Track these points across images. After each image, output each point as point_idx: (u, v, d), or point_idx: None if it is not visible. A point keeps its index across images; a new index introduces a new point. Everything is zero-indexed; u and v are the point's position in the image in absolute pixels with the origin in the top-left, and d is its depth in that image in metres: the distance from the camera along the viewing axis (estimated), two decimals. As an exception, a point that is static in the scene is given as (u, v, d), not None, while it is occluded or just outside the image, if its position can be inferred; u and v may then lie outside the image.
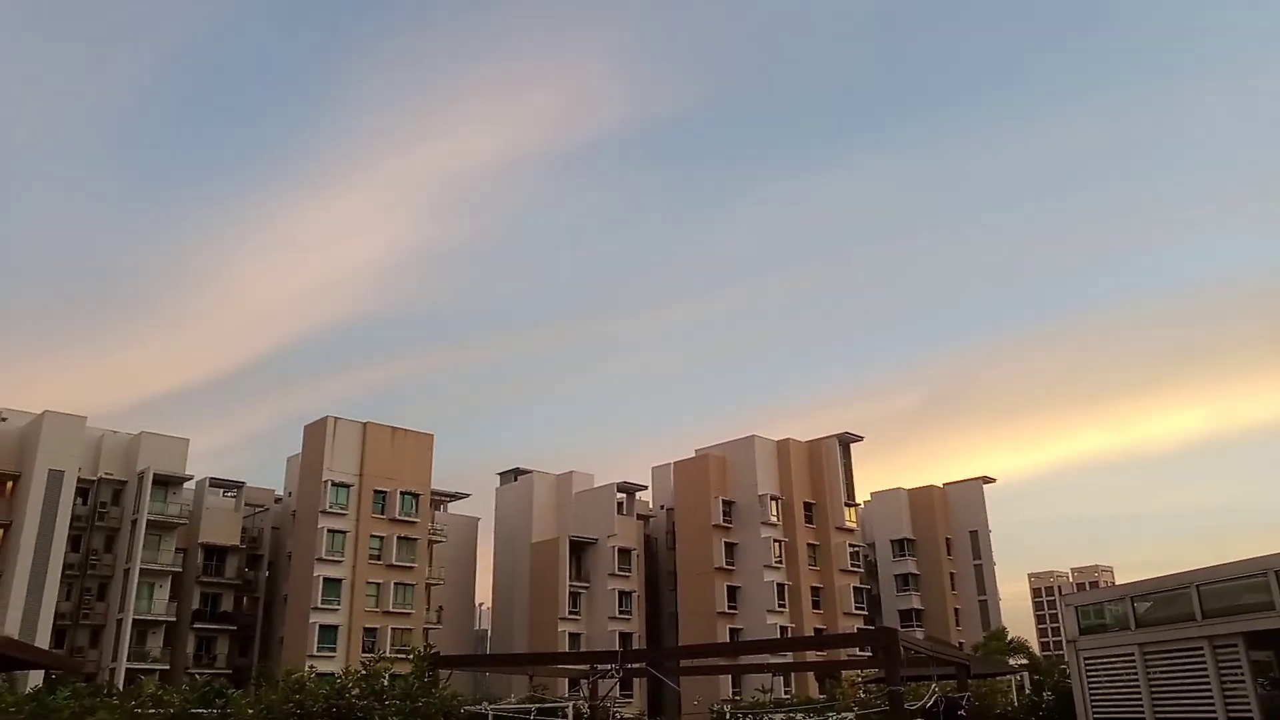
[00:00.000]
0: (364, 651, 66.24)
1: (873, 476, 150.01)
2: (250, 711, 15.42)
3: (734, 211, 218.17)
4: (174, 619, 70.63)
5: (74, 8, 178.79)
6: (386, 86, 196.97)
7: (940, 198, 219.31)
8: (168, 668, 67.61)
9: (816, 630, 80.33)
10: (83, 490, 69.46)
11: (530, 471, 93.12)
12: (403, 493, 76.64)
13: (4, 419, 68.01)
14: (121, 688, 56.12)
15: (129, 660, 66.16)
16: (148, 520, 69.46)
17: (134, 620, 67.56)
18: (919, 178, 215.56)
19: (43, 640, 61.46)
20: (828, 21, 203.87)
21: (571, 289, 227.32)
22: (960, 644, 79.25)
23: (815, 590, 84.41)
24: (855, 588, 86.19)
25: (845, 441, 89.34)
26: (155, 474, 70.53)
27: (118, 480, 71.86)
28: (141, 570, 68.70)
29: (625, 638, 79.59)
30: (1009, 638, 72.39)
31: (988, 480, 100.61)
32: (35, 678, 46.22)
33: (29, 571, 64.14)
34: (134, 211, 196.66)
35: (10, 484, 67.39)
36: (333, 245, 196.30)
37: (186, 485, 74.02)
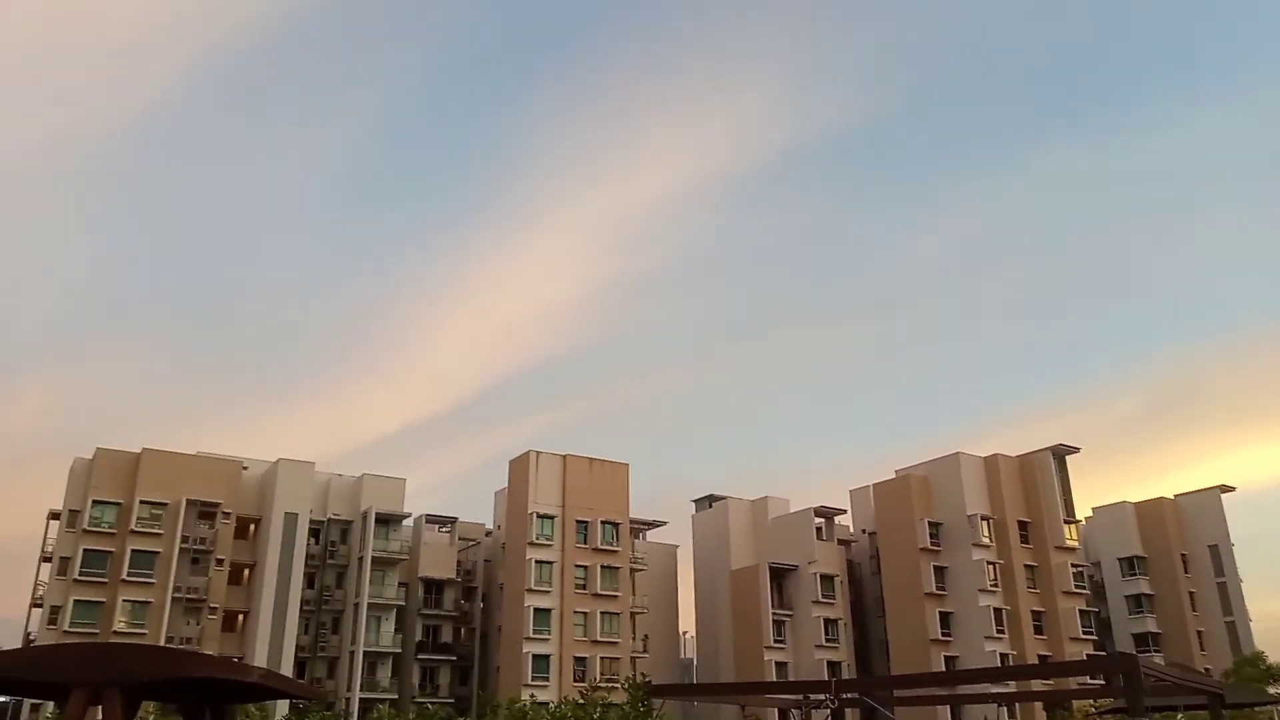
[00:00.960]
0: (575, 680, 67.85)
1: (1092, 490, 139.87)
2: (479, 739, 15.98)
3: (923, 218, 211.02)
4: (400, 650, 74.85)
5: (268, 94, 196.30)
6: (566, 132, 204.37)
7: (1157, 189, 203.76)
8: (396, 697, 71.61)
9: (1041, 658, 75.37)
10: (314, 530, 75.19)
11: (725, 498, 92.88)
12: (603, 522, 78.28)
13: (245, 468, 74.64)
14: (357, 716, 60.17)
15: (362, 690, 70.59)
16: (372, 557, 74.23)
17: (365, 652, 72.09)
18: (1133, 169, 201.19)
19: (286, 671, 66.66)
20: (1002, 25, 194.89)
21: (756, 311, 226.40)
22: (1207, 670, 72.23)
23: (1036, 614, 79.36)
24: (1081, 610, 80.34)
25: (1060, 454, 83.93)
26: (377, 513, 75.40)
27: (344, 520, 77.23)
28: (369, 604, 73.35)
29: (834, 666, 77.60)
30: (1265, 663, 65.29)
31: (1226, 489, 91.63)
32: (283, 706, 50.17)
33: (272, 607, 69.96)
34: (348, 271, 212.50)
35: (253, 527, 73.86)
36: (525, 287, 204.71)
37: (405, 522, 78.70)
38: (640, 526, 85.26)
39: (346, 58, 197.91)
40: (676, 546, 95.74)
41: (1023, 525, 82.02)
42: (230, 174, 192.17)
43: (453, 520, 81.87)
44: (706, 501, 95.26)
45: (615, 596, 76.94)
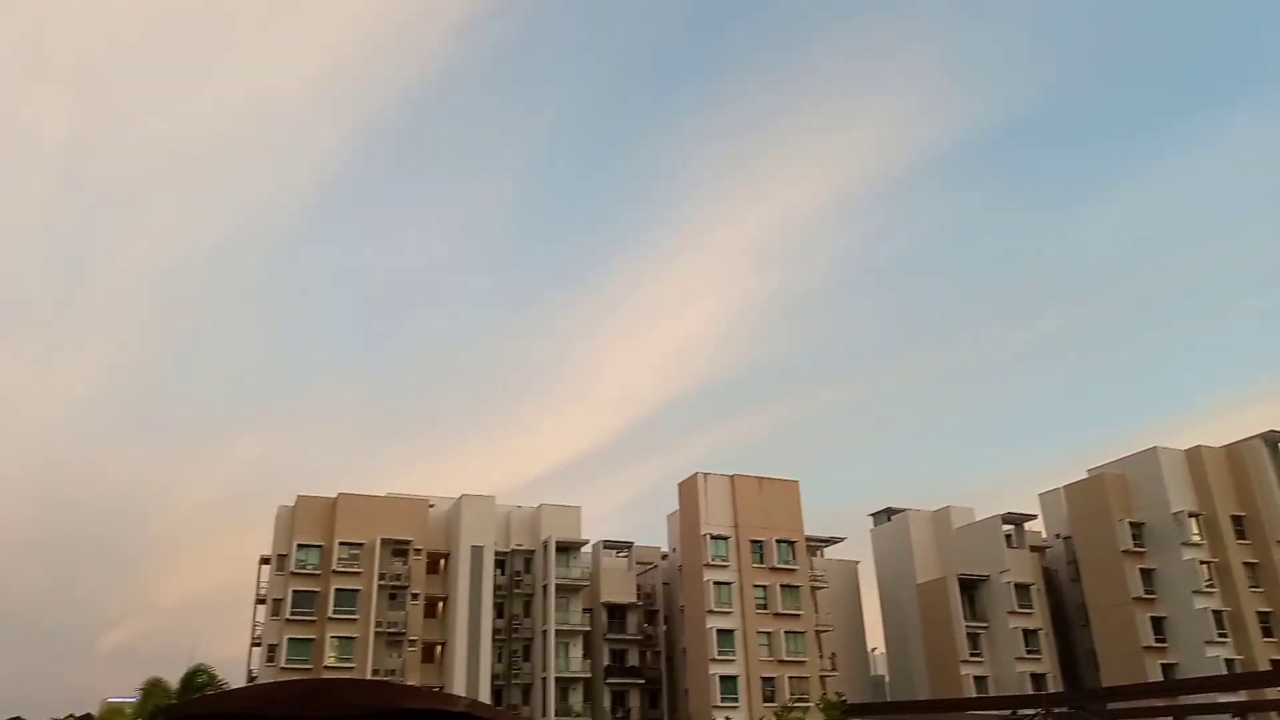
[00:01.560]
0: (765, 701, 67.03)
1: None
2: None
3: (1089, 207, 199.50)
4: (589, 675, 76.10)
5: (429, 150, 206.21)
6: (709, 154, 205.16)
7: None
8: (589, 721, 72.82)
9: (1274, 663, 68.88)
10: (500, 561, 77.75)
11: (904, 510, 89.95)
12: (778, 541, 77.35)
13: (432, 505, 78.12)
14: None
15: (556, 716, 72.13)
16: (556, 584, 75.99)
17: (556, 678, 73.70)
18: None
19: (484, 699, 68.91)
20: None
21: (918, 316, 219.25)
22: None
23: (1263, 615, 72.63)
24: (1316, 610, 72.96)
25: (1272, 440, 76.84)
26: (557, 541, 77.23)
27: (526, 550, 79.47)
28: (556, 631, 75.04)
29: (1038, 679, 73.54)
30: None
31: None
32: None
33: (465, 637, 72.68)
34: (514, 311, 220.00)
35: (443, 562, 77.09)
36: (683, 311, 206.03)
37: (584, 549, 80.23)
38: (817, 544, 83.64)
39: (497, 111, 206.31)
40: (857, 562, 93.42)
41: (1237, 520, 75.46)
42: (402, 228, 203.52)
43: (629, 545, 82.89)
44: (885, 515, 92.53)
45: (798, 615, 75.69)
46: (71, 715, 75.93)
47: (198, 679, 57.88)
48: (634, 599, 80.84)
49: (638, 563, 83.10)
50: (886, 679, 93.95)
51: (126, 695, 65.24)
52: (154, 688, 59.79)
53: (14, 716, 78.53)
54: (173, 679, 60.50)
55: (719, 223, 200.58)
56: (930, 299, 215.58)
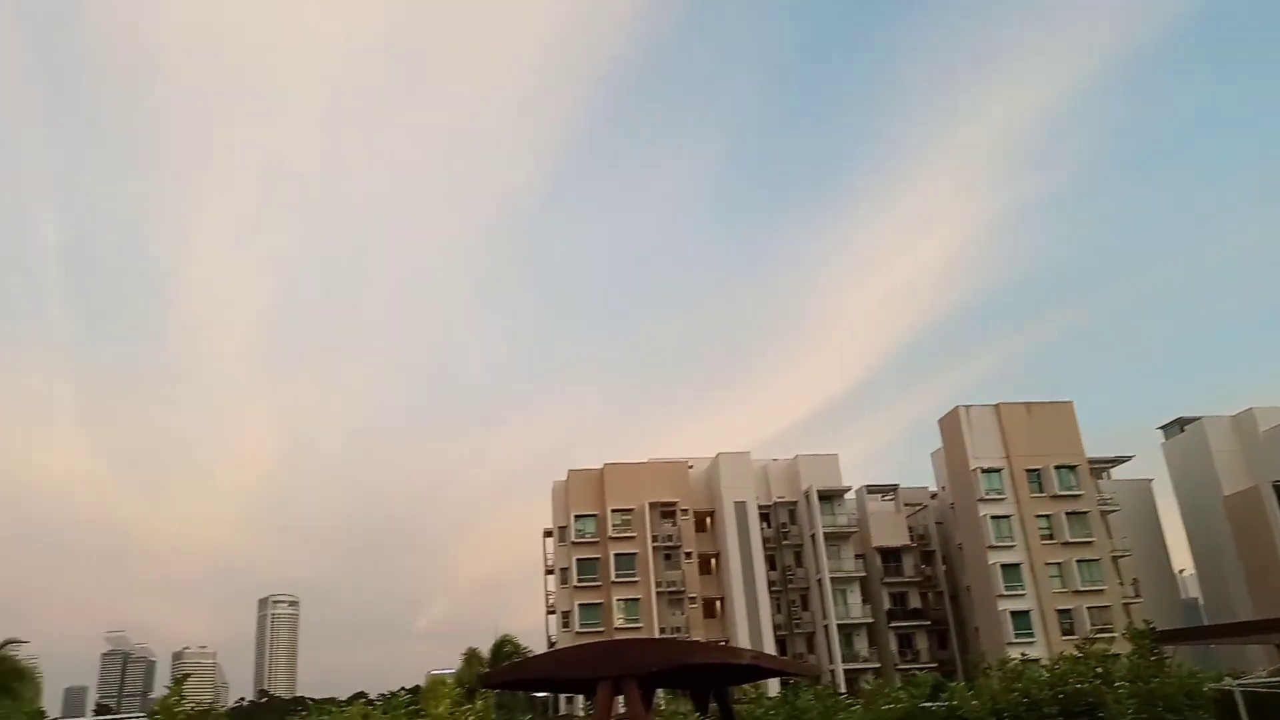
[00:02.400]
0: (1063, 634, 63.63)
1: None
2: (975, 703, 15.50)
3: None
4: (871, 620, 75.43)
5: (649, 118, 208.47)
6: (925, 78, 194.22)
7: None
8: (878, 665, 72.22)
9: None
10: (764, 514, 78.48)
11: (1197, 418, 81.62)
12: (1056, 467, 72.80)
13: (691, 466, 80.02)
14: (843, 687, 61.55)
15: (843, 662, 72.15)
16: (823, 533, 75.72)
17: (837, 625, 73.63)
18: None
19: (769, 650, 70.11)
20: None
21: (1175, 210, 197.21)
22: None
23: None
24: None
25: None
26: (818, 491, 76.84)
27: (789, 501, 79.65)
28: (831, 579, 74.87)
29: (1388, 590, 64.73)
30: None
31: None
32: (774, 686, 52.65)
33: (742, 592, 74.13)
34: (745, 266, 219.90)
35: (708, 520, 78.88)
36: (918, 241, 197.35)
37: (847, 496, 79.32)
38: (1101, 466, 77.79)
39: (705, 72, 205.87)
40: (1150, 481, 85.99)
41: None
42: (628, 200, 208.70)
43: (894, 488, 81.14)
44: (1175, 426, 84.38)
45: (1089, 542, 71.03)
46: (403, 688, 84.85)
47: (504, 648, 62.95)
48: (907, 541, 79.03)
49: (905, 505, 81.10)
50: (1200, 601, 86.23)
51: (446, 667, 72.17)
52: (472, 657, 65.71)
53: (358, 692, 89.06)
54: (484, 649, 66.18)
55: (945, 144, 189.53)
56: (1189, 191, 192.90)
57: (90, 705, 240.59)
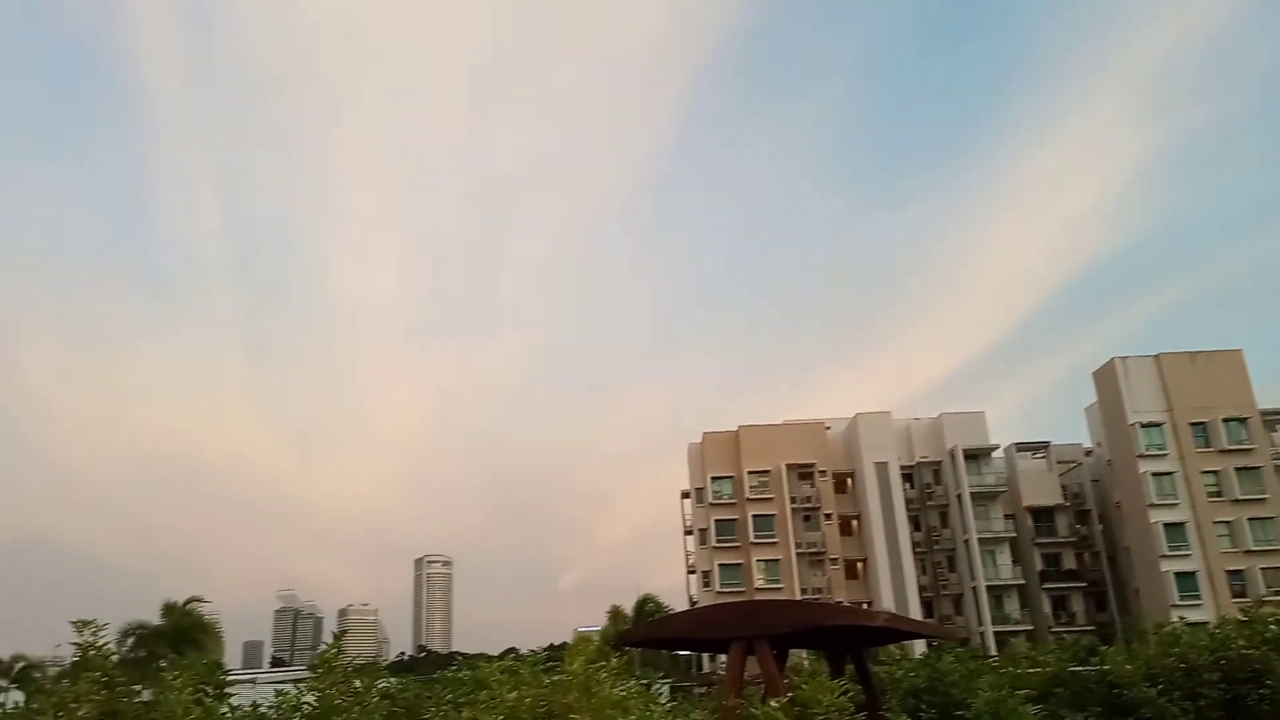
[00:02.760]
0: (1234, 597, 60.04)
1: None
2: (1128, 667, 14.83)
3: None
4: (1023, 581, 73.02)
5: (762, 77, 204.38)
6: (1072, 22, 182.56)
7: None
8: (1031, 628, 69.97)
9: None
10: (906, 475, 76.76)
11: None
12: (1224, 420, 68.27)
13: (828, 427, 79.00)
14: (994, 650, 59.96)
15: (993, 624, 70.24)
16: (970, 493, 73.54)
17: (986, 586, 71.63)
18: None
19: (914, 612, 68.97)
20: None
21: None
22: None
23: None
24: None
25: None
26: (964, 449, 74.57)
27: (932, 461, 77.62)
28: (979, 540, 72.78)
29: None
30: None
31: None
32: (920, 646, 51.86)
33: (885, 553, 73.00)
34: (879, 218, 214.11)
35: (849, 481, 77.82)
36: (1069, 182, 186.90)
37: (995, 454, 76.66)
38: (1276, 418, 72.44)
39: (826, 21, 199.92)
40: (1333, 431, 79.42)
41: None
42: (754, 160, 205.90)
43: (1045, 445, 77.87)
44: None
45: (1262, 499, 66.53)
46: (551, 645, 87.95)
47: (646, 606, 64.31)
48: (1060, 500, 75.85)
49: (1058, 462, 77.77)
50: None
51: (588, 625, 74.29)
52: (616, 615, 67.45)
53: (509, 648, 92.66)
54: (628, 608, 67.74)
55: (1103, 69, 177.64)
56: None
57: (266, 658, 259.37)
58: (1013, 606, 72.40)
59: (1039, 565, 74.23)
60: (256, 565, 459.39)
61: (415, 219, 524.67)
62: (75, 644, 10.34)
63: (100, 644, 10.63)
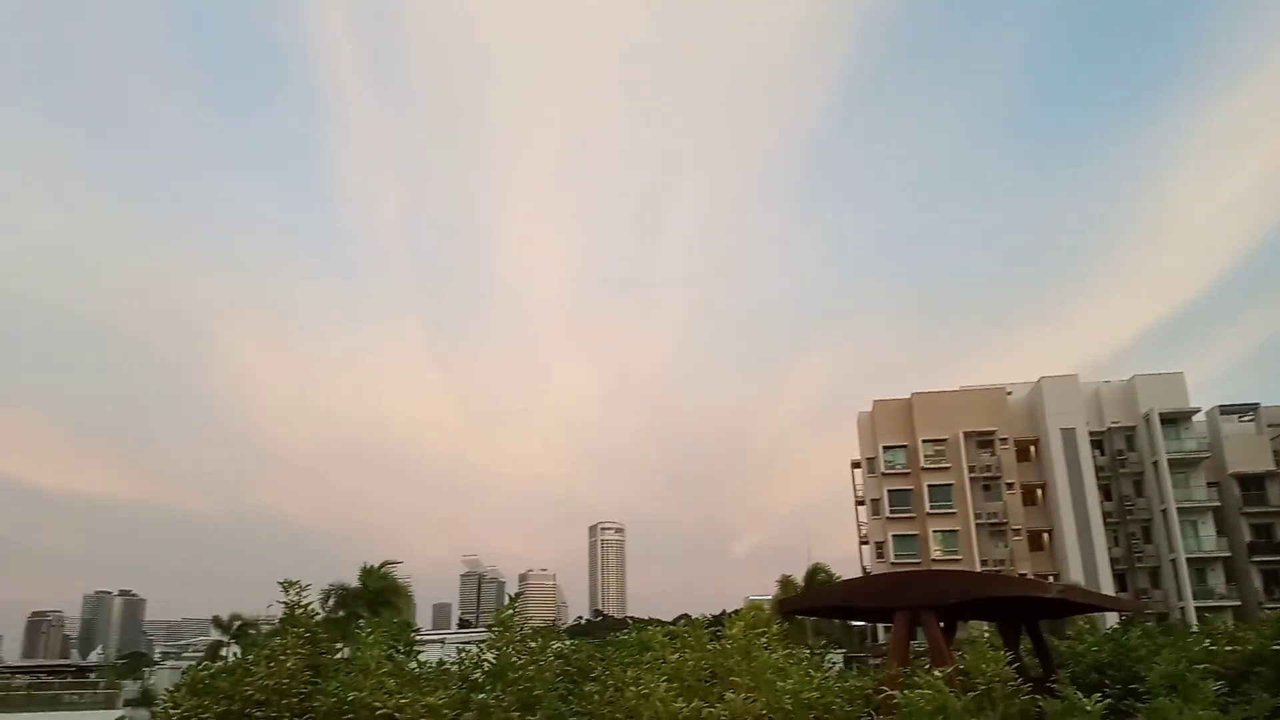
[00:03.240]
0: None
1: None
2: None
3: None
4: (1229, 554, 67.78)
5: (923, 36, 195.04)
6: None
7: None
8: (1238, 603, 64.93)
9: None
10: (1095, 441, 72.45)
11: None
12: None
13: (1009, 393, 75.52)
14: (1195, 626, 56.10)
15: (1194, 599, 65.62)
16: (1167, 459, 68.72)
17: (1187, 559, 66.94)
18: None
19: (1105, 585, 65.38)
20: None
21: None
22: None
23: None
24: None
25: None
26: (1160, 413, 69.68)
27: (1125, 426, 72.89)
28: (1177, 509, 68.02)
29: None
30: None
31: None
32: (1111, 619, 49.19)
33: (1073, 523, 69.36)
34: (1061, 168, 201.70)
35: (1032, 448, 74.24)
36: (1271, 130, 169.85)
37: (1195, 418, 71.25)
38: None
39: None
40: None
41: None
42: (918, 118, 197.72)
43: (1254, 407, 71.57)
44: None
45: None
46: (724, 611, 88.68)
47: (817, 576, 63.82)
48: (1271, 467, 69.66)
49: (1269, 426, 71.37)
50: None
51: (760, 593, 74.44)
52: (786, 584, 67.34)
53: (682, 614, 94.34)
54: (798, 577, 67.50)
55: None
56: None
57: (453, 619, 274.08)
58: (1217, 581, 67.36)
59: (1247, 537, 68.61)
60: (443, 532, 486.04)
61: (580, 198, 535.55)
62: (282, 603, 11.38)
63: (305, 603, 11.65)
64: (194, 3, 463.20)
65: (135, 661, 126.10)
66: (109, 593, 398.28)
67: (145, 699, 58.57)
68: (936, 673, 7.39)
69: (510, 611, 10.46)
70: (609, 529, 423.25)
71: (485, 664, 10.03)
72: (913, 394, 75.76)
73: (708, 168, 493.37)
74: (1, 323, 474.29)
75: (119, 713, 45.72)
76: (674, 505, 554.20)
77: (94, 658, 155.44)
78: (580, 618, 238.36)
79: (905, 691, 7.13)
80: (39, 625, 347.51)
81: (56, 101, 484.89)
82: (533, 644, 10.33)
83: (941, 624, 8.92)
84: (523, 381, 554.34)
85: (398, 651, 11.02)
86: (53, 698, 49.76)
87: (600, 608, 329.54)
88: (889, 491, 74.03)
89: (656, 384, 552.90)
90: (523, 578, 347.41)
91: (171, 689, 10.70)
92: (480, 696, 8.97)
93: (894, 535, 73.01)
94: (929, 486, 72.48)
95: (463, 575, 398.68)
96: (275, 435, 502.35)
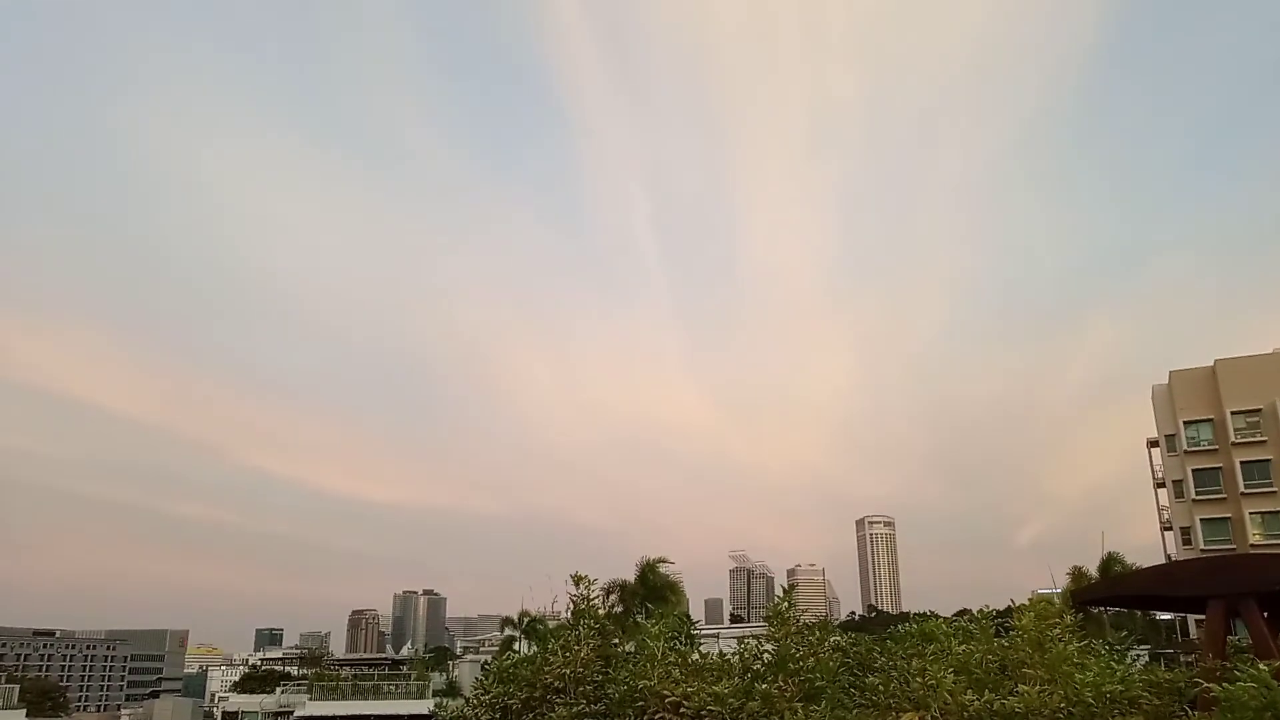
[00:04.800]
0: None
1: None
2: None
3: None
4: None
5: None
6: None
7: None
8: None
9: None
10: None
11: None
12: None
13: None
14: None
15: None
16: None
17: None
18: None
19: None
20: None
21: None
22: None
23: None
24: None
25: None
26: None
27: None
28: None
29: None
30: None
31: None
32: None
33: None
34: None
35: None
36: None
37: None
38: None
39: None
40: None
41: None
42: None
43: None
44: None
45: None
46: (1011, 602, 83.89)
47: (1113, 567, 58.78)
48: None
49: None
50: None
51: (1046, 587, 69.44)
52: (1078, 576, 62.65)
53: (961, 609, 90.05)
54: (1090, 568, 62.62)
55: None
56: None
57: (725, 614, 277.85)
58: None
59: None
60: (711, 527, 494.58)
61: (823, 175, 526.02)
62: (571, 595, 12.19)
63: (592, 597, 12.42)
64: (449, 43, 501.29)
65: (440, 655, 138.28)
66: (415, 592, 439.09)
67: (451, 690, 64.11)
68: (1262, 666, 6.71)
69: (785, 605, 10.59)
70: (877, 522, 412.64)
71: (765, 656, 10.22)
72: (1216, 361, 68.04)
73: (964, 127, 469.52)
74: (329, 354, 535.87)
75: (429, 702, 50.23)
76: (947, 494, 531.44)
77: (405, 652, 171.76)
78: (853, 613, 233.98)
79: (1225, 685, 6.53)
80: (359, 622, 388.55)
81: (350, 145, 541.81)
82: (811, 637, 10.41)
83: (1265, 614, 8.08)
84: (779, 372, 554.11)
85: (680, 643, 11.47)
86: (374, 688, 55.39)
87: (874, 602, 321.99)
88: (1193, 471, 66.93)
89: (919, 363, 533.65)
90: (791, 572, 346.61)
91: (480, 677, 11.77)
92: (763, 686, 9.18)
93: (1201, 519, 65.93)
94: (1241, 463, 64.81)
95: (731, 570, 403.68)
96: (549, 437, 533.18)
